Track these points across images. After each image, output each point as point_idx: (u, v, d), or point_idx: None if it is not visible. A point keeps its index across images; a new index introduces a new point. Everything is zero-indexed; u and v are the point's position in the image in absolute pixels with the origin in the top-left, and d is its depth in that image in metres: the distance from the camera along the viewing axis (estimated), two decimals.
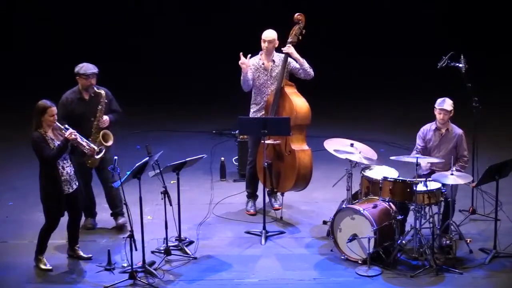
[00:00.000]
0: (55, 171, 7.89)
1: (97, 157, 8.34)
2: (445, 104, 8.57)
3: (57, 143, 7.88)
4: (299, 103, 9.11)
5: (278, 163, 9.22)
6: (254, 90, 9.33)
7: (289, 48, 9.11)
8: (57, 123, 7.91)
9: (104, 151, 8.38)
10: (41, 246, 8.13)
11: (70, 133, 7.84)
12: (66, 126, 7.92)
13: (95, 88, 8.70)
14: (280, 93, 9.12)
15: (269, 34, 9.19)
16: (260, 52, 9.28)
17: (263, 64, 9.27)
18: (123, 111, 9.00)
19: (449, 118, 8.65)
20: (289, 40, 9.19)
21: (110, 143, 8.64)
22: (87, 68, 8.66)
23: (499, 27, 15.51)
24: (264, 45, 9.19)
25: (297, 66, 9.21)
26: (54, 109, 7.84)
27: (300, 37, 9.20)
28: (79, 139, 7.95)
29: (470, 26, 15.37)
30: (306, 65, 9.20)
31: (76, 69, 8.69)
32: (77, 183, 8.14)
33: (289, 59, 9.20)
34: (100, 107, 8.69)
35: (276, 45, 9.24)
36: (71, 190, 8.06)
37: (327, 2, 15.40)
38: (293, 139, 9.10)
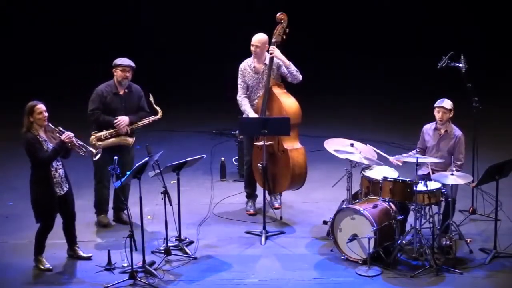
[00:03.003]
0: (48, 173, 7.86)
1: (94, 159, 8.32)
2: (444, 102, 8.58)
3: (49, 144, 7.85)
4: (287, 102, 9.11)
5: (272, 164, 9.20)
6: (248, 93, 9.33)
7: (273, 50, 9.09)
8: (49, 124, 7.89)
9: (100, 153, 8.34)
10: (39, 248, 8.12)
11: (67, 135, 7.82)
12: (61, 128, 7.91)
13: (128, 83, 8.87)
14: (269, 94, 9.12)
15: (257, 39, 9.18)
16: (252, 55, 9.28)
17: (254, 67, 9.27)
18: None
19: (448, 119, 8.64)
20: (273, 40, 9.17)
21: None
22: (125, 60, 8.88)
23: (499, 26, 15.50)
24: (252, 49, 9.19)
25: (285, 70, 9.20)
26: (40, 106, 7.81)
27: (284, 36, 9.19)
28: (75, 142, 7.93)
29: (470, 26, 15.36)
30: (292, 67, 9.18)
31: (114, 61, 8.86)
32: (67, 185, 8.10)
33: (280, 62, 9.18)
34: (144, 122, 8.95)
35: (267, 48, 9.22)
36: (62, 193, 8.03)
37: (327, 2, 15.40)
38: (285, 138, 9.11)
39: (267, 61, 9.24)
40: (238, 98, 9.32)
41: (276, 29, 9.20)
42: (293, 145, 9.17)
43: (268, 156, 9.15)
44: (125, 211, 8.89)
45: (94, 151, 8.22)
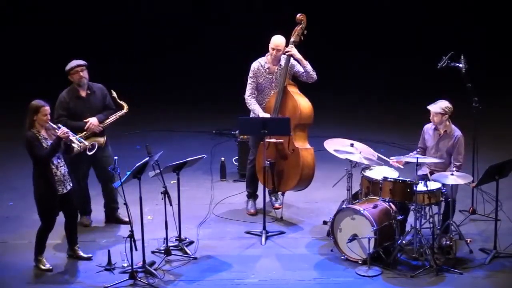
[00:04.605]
0: (48, 171, 7.88)
1: (90, 153, 8.36)
2: (433, 106, 8.54)
3: (50, 142, 7.87)
4: (302, 102, 9.15)
5: (281, 162, 9.22)
6: (257, 93, 9.33)
7: (292, 49, 9.14)
8: (50, 123, 7.91)
9: (96, 147, 8.40)
10: (40, 247, 8.13)
11: (62, 131, 7.84)
12: (60, 125, 7.94)
13: (88, 83, 8.81)
14: (283, 92, 9.15)
15: (280, 42, 9.16)
16: (267, 55, 9.28)
17: (268, 68, 9.28)
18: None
19: (442, 120, 8.56)
20: (292, 40, 9.23)
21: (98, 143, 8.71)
22: (73, 62, 8.78)
23: (499, 26, 15.50)
24: (273, 52, 9.18)
25: (300, 69, 9.23)
26: (47, 108, 7.84)
27: (302, 37, 9.24)
28: (70, 137, 7.95)
29: (470, 26, 15.36)
30: (308, 67, 9.21)
31: (65, 69, 8.79)
32: (71, 184, 8.12)
33: (294, 62, 9.22)
34: (112, 118, 8.87)
35: (284, 50, 9.25)
36: (65, 191, 8.04)
37: (327, 2, 15.40)
38: (296, 137, 9.13)
39: (281, 62, 9.25)
40: (246, 97, 9.31)
41: (294, 30, 9.25)
42: (304, 145, 9.19)
43: (278, 154, 9.17)
44: (118, 210, 9.09)
45: (88, 144, 8.27)
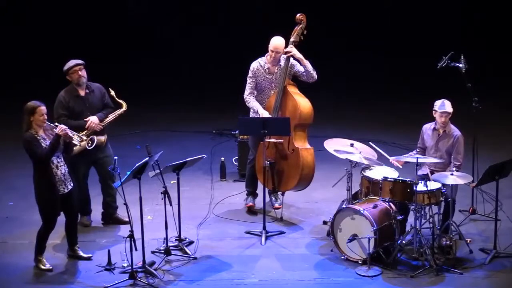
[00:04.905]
0: (48, 171, 7.87)
1: (90, 148, 8.38)
2: (446, 106, 8.55)
3: (48, 142, 7.87)
4: (302, 101, 9.15)
5: (281, 162, 9.23)
6: (256, 93, 9.33)
7: (291, 49, 9.14)
8: (47, 122, 7.91)
9: (95, 141, 8.42)
10: (40, 247, 8.13)
11: (60, 128, 7.84)
12: (56, 123, 7.95)
13: (87, 83, 8.81)
14: (283, 92, 9.15)
15: (279, 44, 9.15)
16: (267, 55, 9.27)
17: (268, 68, 9.27)
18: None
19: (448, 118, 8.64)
20: (291, 40, 9.23)
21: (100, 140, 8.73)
22: (71, 62, 8.78)
23: (499, 26, 15.50)
24: (272, 54, 9.17)
25: (301, 69, 9.23)
26: (43, 108, 7.83)
27: (302, 37, 9.25)
28: (69, 134, 7.95)
29: (470, 26, 15.36)
30: (309, 66, 9.21)
31: (63, 69, 8.78)
32: (72, 184, 8.12)
33: (294, 62, 9.22)
34: (112, 117, 8.85)
35: (284, 51, 9.25)
36: (66, 191, 8.04)
37: (327, 2, 15.41)
38: (296, 137, 9.13)
39: (281, 62, 9.24)
40: (245, 96, 9.30)
41: (294, 30, 9.26)
42: (304, 144, 9.19)
43: (278, 154, 9.18)
44: (117, 210, 9.09)
45: (85, 138, 8.29)
